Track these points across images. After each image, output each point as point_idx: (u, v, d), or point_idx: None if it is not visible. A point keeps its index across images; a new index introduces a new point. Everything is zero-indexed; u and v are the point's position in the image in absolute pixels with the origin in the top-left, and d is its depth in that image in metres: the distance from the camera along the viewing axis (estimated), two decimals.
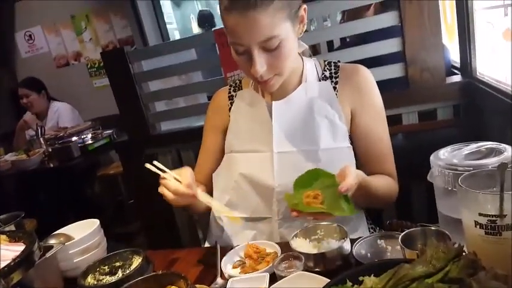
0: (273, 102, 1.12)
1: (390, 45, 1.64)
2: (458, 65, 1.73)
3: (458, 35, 1.65)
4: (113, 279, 1.02)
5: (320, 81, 1.14)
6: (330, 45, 2.12)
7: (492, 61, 1.44)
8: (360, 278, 0.68)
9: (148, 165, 1.04)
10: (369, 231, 1.22)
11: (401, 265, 0.65)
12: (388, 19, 1.62)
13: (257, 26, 0.92)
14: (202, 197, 1.03)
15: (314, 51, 1.82)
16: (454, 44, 1.81)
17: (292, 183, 1.00)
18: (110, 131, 3.31)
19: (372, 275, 0.68)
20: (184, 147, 1.93)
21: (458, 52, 1.69)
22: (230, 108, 1.23)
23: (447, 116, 1.64)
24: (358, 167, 1.11)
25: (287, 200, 0.95)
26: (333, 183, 0.92)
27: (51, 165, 3.03)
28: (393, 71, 1.66)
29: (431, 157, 0.86)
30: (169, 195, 1.00)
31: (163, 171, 1.04)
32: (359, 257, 0.92)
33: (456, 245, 0.63)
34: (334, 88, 1.13)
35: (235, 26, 0.94)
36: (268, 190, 1.11)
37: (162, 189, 1.02)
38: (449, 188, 0.79)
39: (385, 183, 1.12)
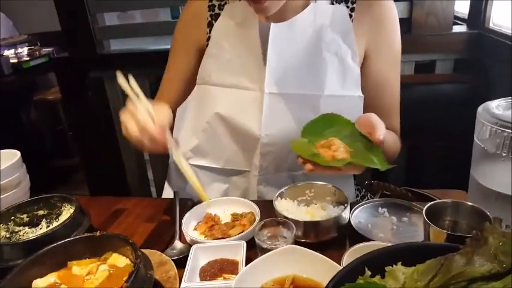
0: (272, 24, 0.85)
1: None
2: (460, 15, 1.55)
3: None
4: (34, 232, 0.77)
5: (333, 4, 0.88)
6: None
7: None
8: (387, 268, 0.48)
9: (120, 76, 0.75)
10: (355, 192, 1.05)
11: (450, 257, 0.46)
12: None
13: None
14: (177, 156, 0.76)
15: None
16: None
17: (282, 134, 0.82)
18: (50, 49, 2.88)
19: (400, 264, 0.49)
20: (138, 73, 1.56)
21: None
22: (209, 23, 0.93)
23: (446, 70, 1.47)
24: None
25: (296, 148, 0.72)
26: (351, 133, 0.71)
27: None
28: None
29: (480, 109, 0.66)
30: (133, 129, 0.72)
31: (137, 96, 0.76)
32: (358, 228, 0.73)
33: None
34: (350, 16, 0.87)
35: None
36: (251, 139, 0.88)
37: (125, 118, 0.73)
38: (503, 154, 0.60)
39: (394, 140, 0.93)
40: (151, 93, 1.66)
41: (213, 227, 0.74)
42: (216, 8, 0.93)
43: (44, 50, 2.88)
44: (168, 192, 1.02)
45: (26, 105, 3.07)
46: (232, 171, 0.94)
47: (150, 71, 1.60)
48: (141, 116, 0.71)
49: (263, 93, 0.86)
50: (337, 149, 0.67)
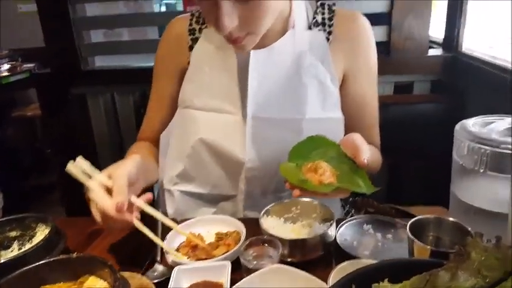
0: (252, 51, 0.84)
1: (376, 5, 1.48)
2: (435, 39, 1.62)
3: (448, 7, 1.51)
4: (4, 255, 0.73)
5: (310, 28, 0.89)
6: None
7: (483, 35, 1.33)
8: (374, 286, 0.48)
9: (70, 166, 0.72)
10: (343, 209, 1.05)
11: (435, 272, 0.46)
12: None
13: None
14: (139, 225, 0.70)
15: None
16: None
17: (266, 158, 0.83)
18: (32, 65, 2.84)
19: (386, 280, 0.49)
20: (122, 90, 1.60)
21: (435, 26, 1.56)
22: (190, 46, 0.93)
23: (424, 90, 1.54)
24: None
25: (284, 172, 0.71)
26: (337, 154, 0.72)
27: None
28: (375, 34, 1.47)
29: (457, 127, 0.68)
30: (96, 216, 0.69)
31: (90, 176, 0.71)
32: (343, 246, 0.73)
33: None
34: (327, 39, 0.89)
35: None
36: (236, 164, 0.87)
37: (91, 207, 0.70)
38: (481, 170, 0.62)
39: (377, 157, 0.94)
40: (135, 109, 1.65)
41: (196, 248, 0.72)
42: (197, 32, 0.93)
43: (25, 65, 2.85)
44: None
45: (3, 121, 3.00)
46: (219, 197, 0.92)
47: (135, 87, 1.60)
48: (99, 198, 0.67)
49: (245, 118, 0.86)
50: (324, 173, 0.67)
